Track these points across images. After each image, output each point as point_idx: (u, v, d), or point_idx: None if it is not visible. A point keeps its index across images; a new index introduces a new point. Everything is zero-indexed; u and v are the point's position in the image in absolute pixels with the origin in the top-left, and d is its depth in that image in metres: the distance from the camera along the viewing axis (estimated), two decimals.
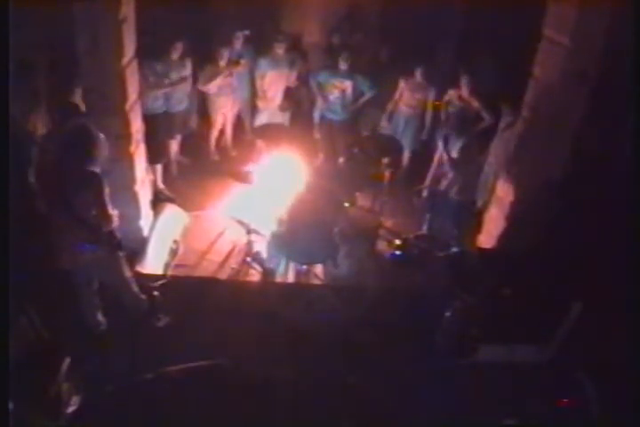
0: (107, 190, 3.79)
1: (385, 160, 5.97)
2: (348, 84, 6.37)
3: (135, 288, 4.38)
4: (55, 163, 3.83)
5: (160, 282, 4.87)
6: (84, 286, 4.18)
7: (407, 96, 6.37)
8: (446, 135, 5.42)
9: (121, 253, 4.11)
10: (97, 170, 3.77)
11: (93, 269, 4.10)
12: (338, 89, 6.40)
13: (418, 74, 6.20)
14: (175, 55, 5.87)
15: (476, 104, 5.78)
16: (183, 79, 6.00)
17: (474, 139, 5.36)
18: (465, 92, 5.83)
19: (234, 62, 6.27)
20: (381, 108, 6.53)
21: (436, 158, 5.83)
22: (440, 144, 5.52)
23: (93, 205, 3.78)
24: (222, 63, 6.23)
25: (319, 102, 6.65)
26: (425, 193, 6.07)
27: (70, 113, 4.57)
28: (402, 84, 6.34)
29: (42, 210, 3.96)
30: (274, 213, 5.02)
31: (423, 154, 6.55)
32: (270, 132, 6.38)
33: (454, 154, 5.27)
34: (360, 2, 7.04)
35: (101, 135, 3.85)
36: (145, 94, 5.42)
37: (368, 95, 6.44)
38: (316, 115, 6.84)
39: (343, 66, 6.25)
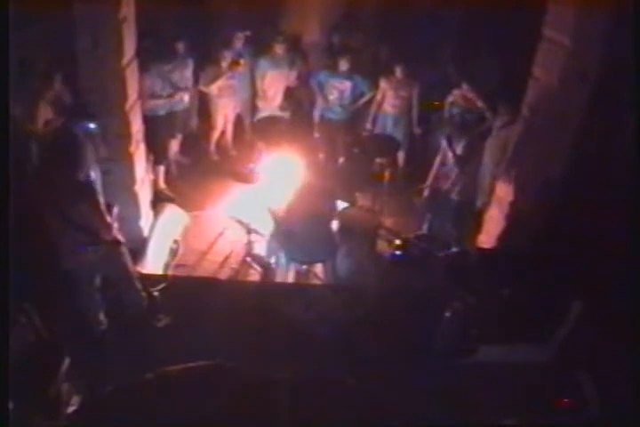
0: (101, 200, 3.78)
1: (380, 160, 5.97)
2: (347, 85, 6.37)
3: (138, 284, 4.38)
4: (44, 169, 3.83)
5: (161, 286, 4.86)
6: (86, 285, 4.19)
7: (391, 95, 6.31)
8: (449, 134, 5.42)
9: (123, 247, 4.12)
10: (91, 176, 3.75)
11: (97, 267, 4.10)
12: (337, 89, 6.40)
13: (398, 71, 6.17)
14: (177, 54, 5.88)
15: (480, 104, 5.77)
16: (185, 88, 6.02)
17: (477, 138, 5.36)
18: (468, 92, 5.82)
19: (234, 63, 6.28)
20: None
21: (438, 158, 5.82)
22: (444, 143, 5.51)
23: (89, 215, 3.77)
24: (224, 64, 6.24)
25: (319, 102, 6.64)
26: (426, 193, 6.06)
27: (72, 114, 4.57)
28: (383, 84, 6.30)
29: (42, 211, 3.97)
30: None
31: (422, 153, 6.55)
32: (270, 127, 6.37)
33: (459, 152, 5.27)
34: (360, 1, 7.04)
35: (85, 139, 3.83)
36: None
37: (368, 95, 6.43)
38: (316, 114, 6.84)
39: (343, 66, 6.24)
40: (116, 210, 4.03)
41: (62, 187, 3.72)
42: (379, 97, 6.37)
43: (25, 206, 4.11)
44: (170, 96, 5.86)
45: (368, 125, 6.51)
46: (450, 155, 5.37)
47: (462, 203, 5.46)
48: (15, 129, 4.08)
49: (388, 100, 6.34)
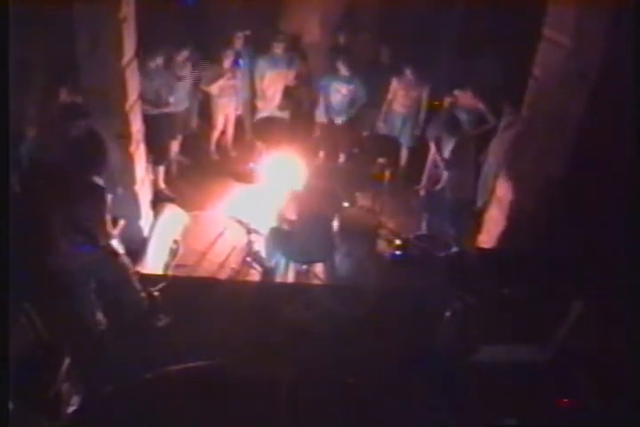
0: (109, 203, 3.77)
1: (381, 160, 5.98)
2: (350, 88, 6.37)
3: (137, 286, 4.36)
4: (59, 168, 3.82)
5: (160, 285, 4.85)
6: (81, 286, 4.18)
7: (402, 96, 6.35)
8: (437, 136, 5.43)
9: (122, 258, 4.10)
10: (101, 181, 3.75)
11: (90, 270, 4.09)
12: (340, 93, 6.40)
13: (408, 73, 6.19)
14: (180, 58, 5.90)
15: (481, 106, 5.77)
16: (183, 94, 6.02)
17: (466, 139, 5.36)
18: (469, 93, 5.82)
19: (235, 64, 6.28)
20: (380, 108, 6.53)
21: (429, 159, 5.84)
22: (432, 145, 5.53)
23: (92, 217, 3.77)
24: (226, 64, 6.24)
25: (322, 103, 6.64)
26: (422, 193, 6.07)
27: (73, 114, 4.57)
28: (394, 84, 6.33)
29: (42, 210, 3.96)
30: (274, 212, 5.02)
31: (423, 153, 6.55)
32: (270, 127, 6.38)
33: (446, 154, 5.28)
34: (360, 2, 7.04)
35: (107, 141, 3.83)
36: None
37: (362, 100, 6.43)
38: (320, 114, 6.84)
39: (345, 69, 6.24)
40: (121, 223, 4.01)
41: (74, 187, 3.71)
42: (389, 96, 6.40)
43: (25, 206, 4.12)
44: (165, 104, 5.85)
45: (379, 124, 6.52)
46: (439, 156, 5.38)
47: (458, 201, 5.47)
48: (16, 129, 4.09)
49: (399, 99, 6.38)
